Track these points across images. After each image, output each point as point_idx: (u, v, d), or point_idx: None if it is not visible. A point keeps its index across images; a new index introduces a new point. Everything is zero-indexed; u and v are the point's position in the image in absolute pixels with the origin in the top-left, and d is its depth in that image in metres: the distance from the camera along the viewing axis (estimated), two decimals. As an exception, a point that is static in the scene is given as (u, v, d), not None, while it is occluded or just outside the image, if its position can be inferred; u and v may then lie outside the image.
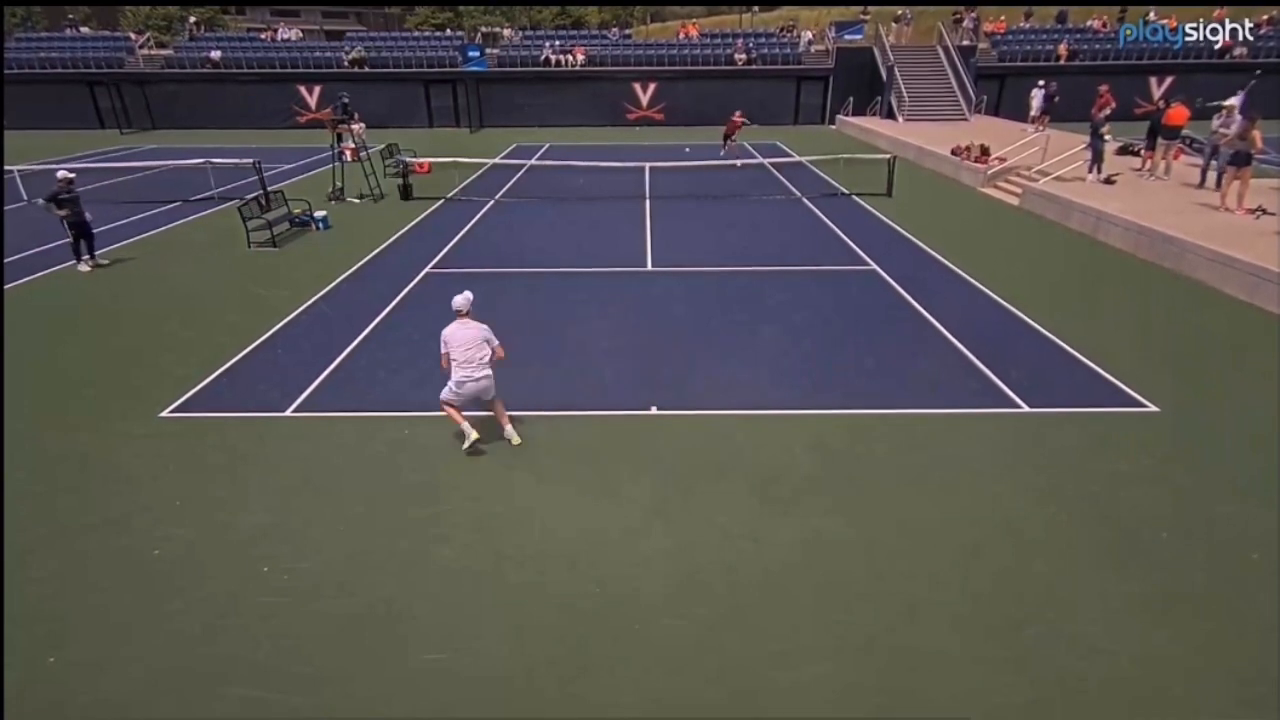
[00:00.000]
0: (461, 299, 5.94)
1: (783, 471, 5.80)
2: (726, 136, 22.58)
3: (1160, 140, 15.17)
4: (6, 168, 16.52)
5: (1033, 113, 22.66)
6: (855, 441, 6.26)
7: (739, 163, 20.35)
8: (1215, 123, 13.45)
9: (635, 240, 13.01)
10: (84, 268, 11.38)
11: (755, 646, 4.11)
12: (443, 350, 5.82)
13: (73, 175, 11.30)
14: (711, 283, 10.60)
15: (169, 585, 4.63)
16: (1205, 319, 9.00)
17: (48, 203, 11.02)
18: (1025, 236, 13.17)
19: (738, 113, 23.13)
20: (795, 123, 31.73)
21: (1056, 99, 22.27)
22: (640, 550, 4.92)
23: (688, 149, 22.59)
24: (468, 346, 5.78)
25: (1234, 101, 13.18)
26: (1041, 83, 22.96)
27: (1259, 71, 22.82)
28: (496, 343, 5.95)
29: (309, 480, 5.76)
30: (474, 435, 5.96)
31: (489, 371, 5.89)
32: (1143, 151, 16.09)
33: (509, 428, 6.18)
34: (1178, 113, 14.90)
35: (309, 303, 9.81)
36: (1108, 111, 15.45)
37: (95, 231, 11.62)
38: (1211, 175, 13.82)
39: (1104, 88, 16.22)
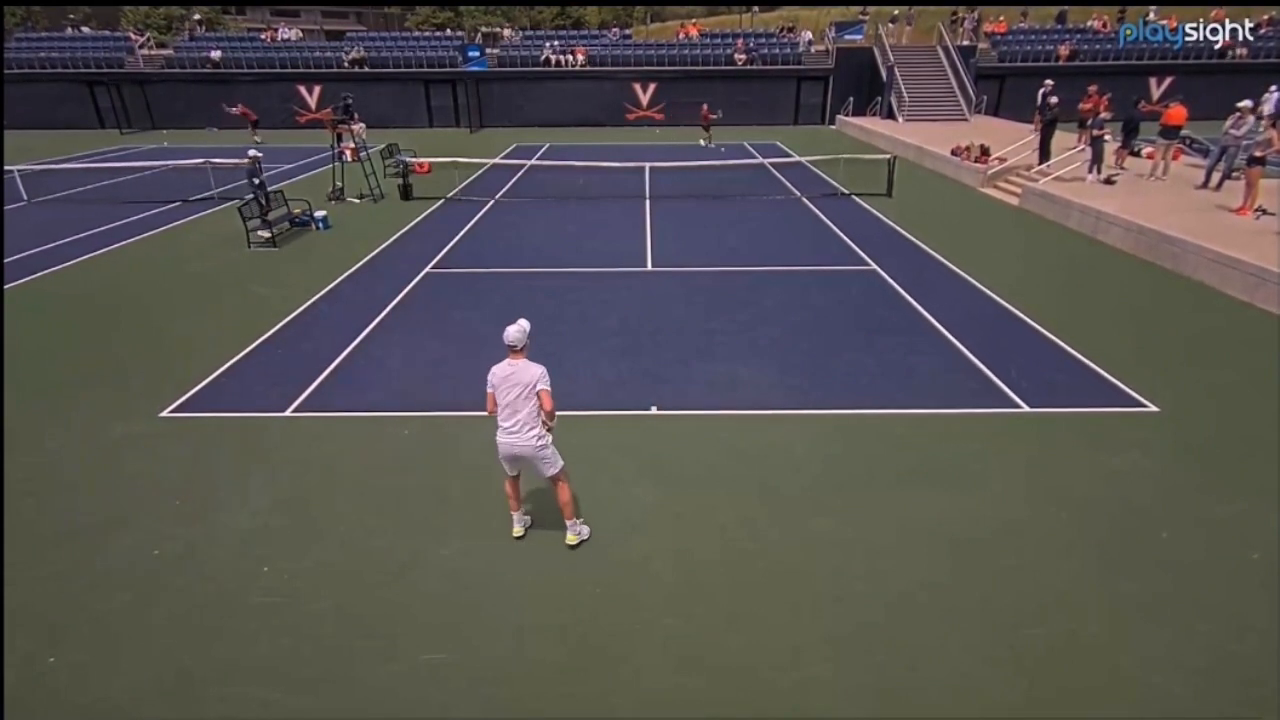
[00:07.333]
0: (515, 330, 4.55)
1: (783, 471, 5.80)
2: (707, 127, 25.17)
3: (1160, 140, 15.18)
4: (6, 168, 16.54)
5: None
6: (855, 441, 6.26)
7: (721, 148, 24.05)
8: (1227, 123, 13.42)
9: (635, 240, 13.01)
10: (264, 233, 12.82)
11: (755, 646, 4.11)
12: (487, 390, 4.68)
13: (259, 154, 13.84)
14: (712, 283, 10.60)
15: (169, 585, 4.63)
16: (1205, 319, 8.99)
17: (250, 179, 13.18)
18: (1025, 236, 13.16)
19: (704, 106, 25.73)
20: (795, 123, 31.76)
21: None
22: (640, 550, 4.92)
23: (722, 149, 24.12)
24: (509, 391, 4.54)
25: (1247, 103, 13.17)
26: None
27: None
28: (544, 387, 4.53)
29: (309, 480, 5.76)
30: (516, 529, 5.02)
31: (533, 433, 4.58)
32: (1136, 151, 16.08)
33: (569, 522, 4.95)
34: (1176, 112, 14.91)
35: (309, 303, 9.80)
36: (1103, 114, 15.40)
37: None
38: (1215, 176, 13.83)
39: (1092, 88, 16.21)
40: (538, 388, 4.51)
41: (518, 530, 5.03)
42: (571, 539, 4.94)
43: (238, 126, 30.47)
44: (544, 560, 4.84)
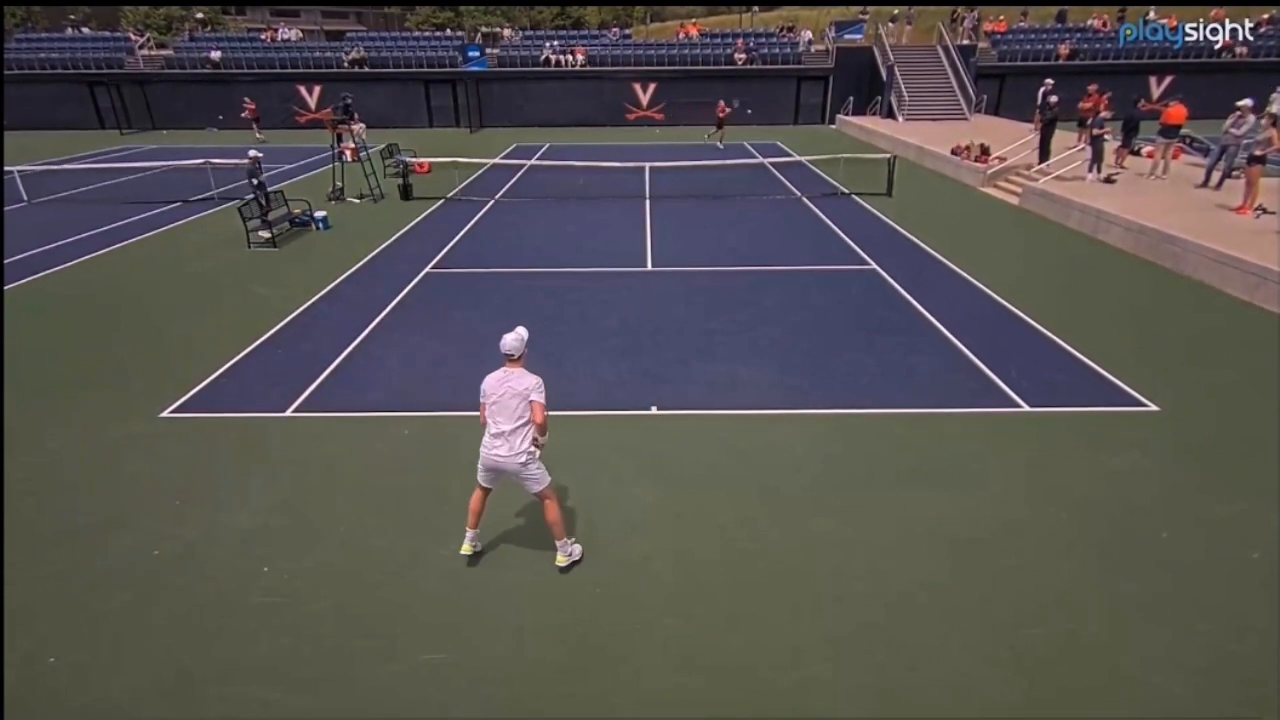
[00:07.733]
0: (513, 338, 4.41)
1: (783, 471, 5.80)
2: (720, 125, 25.23)
3: (1160, 139, 15.17)
4: (6, 168, 16.54)
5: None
6: (855, 441, 6.26)
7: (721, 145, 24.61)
8: (1228, 122, 13.41)
9: (635, 240, 13.00)
10: (264, 233, 12.78)
11: (755, 646, 4.11)
12: (480, 400, 4.49)
13: (259, 155, 13.94)
14: (712, 282, 10.60)
15: (169, 585, 4.63)
16: (1205, 318, 8.99)
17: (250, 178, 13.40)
18: (1025, 236, 13.16)
19: (721, 102, 25.88)
20: (795, 123, 31.75)
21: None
22: (640, 550, 4.92)
23: (719, 147, 24.53)
24: (500, 400, 4.36)
25: (1248, 102, 13.17)
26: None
27: None
28: (537, 398, 4.32)
29: (309, 480, 5.76)
30: (466, 547, 4.74)
31: (520, 446, 4.37)
32: (1136, 150, 16.06)
33: (560, 542, 4.70)
34: (1176, 111, 14.90)
35: (309, 303, 9.80)
36: (1103, 114, 15.38)
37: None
38: (1216, 175, 13.82)
39: (1092, 87, 16.22)
40: (530, 397, 4.30)
41: (467, 549, 4.71)
42: (562, 560, 4.68)
43: (237, 127, 30.53)
44: (543, 560, 4.83)
